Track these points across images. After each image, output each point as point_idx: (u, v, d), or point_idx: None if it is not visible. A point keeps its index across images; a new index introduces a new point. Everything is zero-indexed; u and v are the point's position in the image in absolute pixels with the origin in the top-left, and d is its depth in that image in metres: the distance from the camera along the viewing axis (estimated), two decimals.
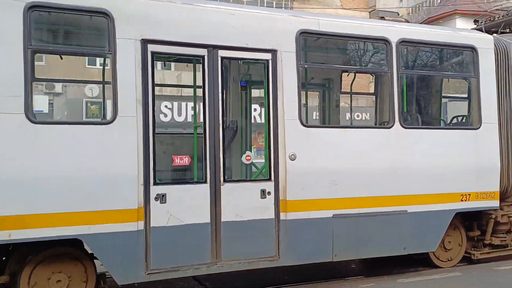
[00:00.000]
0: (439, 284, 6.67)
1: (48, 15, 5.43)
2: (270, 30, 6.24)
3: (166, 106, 17.17)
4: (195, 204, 5.81)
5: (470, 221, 7.75)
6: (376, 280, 6.89)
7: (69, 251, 5.58)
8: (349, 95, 7.68)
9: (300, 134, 6.26)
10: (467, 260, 7.80)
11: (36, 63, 5.49)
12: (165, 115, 17.00)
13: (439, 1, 45.23)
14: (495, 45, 7.61)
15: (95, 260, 5.72)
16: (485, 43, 7.50)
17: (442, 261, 7.55)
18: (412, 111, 7.56)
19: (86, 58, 6.81)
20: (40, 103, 5.34)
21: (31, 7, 5.17)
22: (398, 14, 8.70)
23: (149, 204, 5.58)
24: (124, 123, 5.49)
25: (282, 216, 6.17)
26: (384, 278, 7.01)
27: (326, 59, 7.09)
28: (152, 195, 5.60)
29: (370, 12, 24.62)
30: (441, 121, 8.24)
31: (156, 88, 5.88)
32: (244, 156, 6.32)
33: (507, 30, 9.07)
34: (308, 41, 6.59)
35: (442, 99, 8.40)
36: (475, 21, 9.56)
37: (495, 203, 7.47)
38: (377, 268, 7.68)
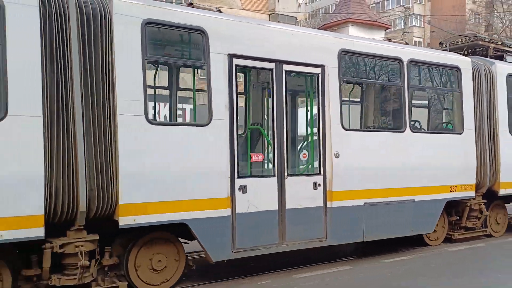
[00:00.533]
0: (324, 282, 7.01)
1: (158, 31, 6.26)
2: (320, 49, 7.50)
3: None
4: (267, 194, 6.93)
5: (450, 209, 9.50)
6: (272, 275, 7.19)
7: (165, 235, 6.44)
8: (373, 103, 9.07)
9: (342, 136, 7.58)
10: (448, 240, 9.55)
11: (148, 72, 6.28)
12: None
13: (334, 8, 48.20)
14: (471, 65, 9.43)
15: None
16: (466, 64, 9.31)
17: (431, 240, 9.23)
18: (416, 118, 9.14)
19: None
20: (153, 107, 6.01)
21: (147, 23, 6.01)
22: (296, 19, 9.71)
23: (235, 194, 6.61)
24: (217, 125, 6.47)
25: (329, 204, 7.46)
26: (281, 275, 7.27)
27: (358, 74, 8.45)
28: (237, 186, 6.63)
29: (270, 15, 26.00)
30: (432, 126, 9.94)
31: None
32: (301, 154, 7.49)
33: (466, 53, 10.96)
34: (346, 58, 7.91)
35: (430, 109, 10.15)
36: (440, 44, 11.44)
37: (473, 193, 9.31)
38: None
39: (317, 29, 47.39)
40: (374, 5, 59.24)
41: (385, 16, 51.99)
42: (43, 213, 5.29)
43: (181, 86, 7.86)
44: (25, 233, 5.23)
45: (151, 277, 6.31)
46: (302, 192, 7.24)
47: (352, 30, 39.95)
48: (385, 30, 44.99)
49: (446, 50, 10.54)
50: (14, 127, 5.16)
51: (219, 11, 7.11)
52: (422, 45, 56.40)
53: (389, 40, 10.50)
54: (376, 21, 42.17)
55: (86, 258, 5.62)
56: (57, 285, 5.60)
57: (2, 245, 5.25)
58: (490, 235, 10.10)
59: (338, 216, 7.53)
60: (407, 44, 9.38)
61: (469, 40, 11.08)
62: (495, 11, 46.26)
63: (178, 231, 6.52)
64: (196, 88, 7.25)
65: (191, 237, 6.65)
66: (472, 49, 10.93)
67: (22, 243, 5.41)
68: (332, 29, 39.70)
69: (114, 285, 6.03)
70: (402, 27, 57.15)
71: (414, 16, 56.28)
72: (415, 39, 55.41)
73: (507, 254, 8.94)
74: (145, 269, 6.25)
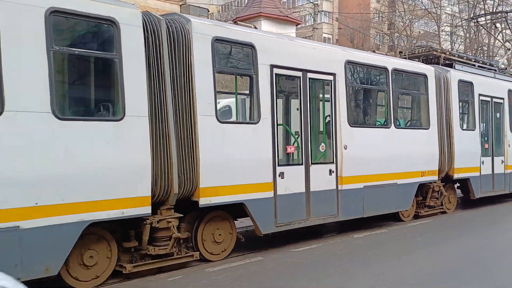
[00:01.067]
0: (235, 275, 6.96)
1: (222, 46, 7.66)
2: (332, 60, 9.24)
3: None
4: (297, 179, 8.55)
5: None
6: (183, 271, 7.17)
7: (220, 214, 7.86)
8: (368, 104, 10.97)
9: (348, 131, 9.37)
10: (415, 216, 11.67)
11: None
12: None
13: (246, 2, 49.64)
14: (434, 73, 11.57)
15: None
16: (431, 72, 11.44)
17: (405, 217, 11.27)
18: (397, 117, 11.12)
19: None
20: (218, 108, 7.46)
21: (216, 40, 7.42)
22: (208, 11, 10.45)
23: (276, 179, 8.17)
24: (264, 123, 8.00)
25: (339, 187, 9.22)
26: (194, 269, 7.34)
27: (358, 80, 10.25)
28: (277, 172, 8.19)
29: (180, 5, 26.75)
30: (408, 123, 12.03)
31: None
32: (320, 146, 9.13)
33: (421, 61, 13.07)
34: (350, 67, 9.66)
35: (406, 108, 12.27)
36: (400, 52, 13.61)
37: (436, 177, 11.53)
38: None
39: (230, 22, 48.13)
40: (285, 0, 60.20)
41: (296, 12, 53.92)
42: (150, 194, 6.58)
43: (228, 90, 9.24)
44: (138, 211, 6.51)
45: (214, 248, 7.75)
46: (321, 178, 8.94)
47: (265, 25, 41.46)
48: (296, 26, 47.24)
49: (406, 58, 12.64)
50: (132, 126, 6.41)
51: (255, 28, 8.60)
52: (331, 41, 58.75)
53: (313, 39, 12.55)
54: (287, 16, 44.24)
55: (176, 232, 6.94)
56: (152, 254, 6.87)
57: (112, 222, 6.47)
58: (445, 212, 12.37)
59: (346, 196, 9.30)
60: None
61: (424, 50, 13.29)
62: (397, 10, 49.71)
63: (230, 210, 7.98)
64: (245, 92, 8.75)
65: (238, 216, 8.22)
66: (426, 58, 13.12)
67: (122, 221, 6.62)
68: (244, 23, 41.22)
69: (189, 254, 7.39)
70: (312, 23, 59.45)
71: (323, 12, 58.36)
72: (324, 35, 56.70)
73: (457, 222, 11.31)
74: (209, 241, 7.68)
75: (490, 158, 13.33)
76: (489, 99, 13.41)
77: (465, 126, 12.71)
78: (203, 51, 7.24)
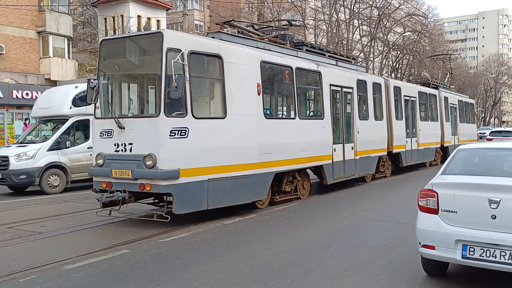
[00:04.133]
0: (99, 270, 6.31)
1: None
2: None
3: None
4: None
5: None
6: (36, 269, 6.61)
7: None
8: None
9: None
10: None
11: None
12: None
13: None
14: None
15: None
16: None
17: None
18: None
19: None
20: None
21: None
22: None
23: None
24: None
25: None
26: (50, 268, 6.70)
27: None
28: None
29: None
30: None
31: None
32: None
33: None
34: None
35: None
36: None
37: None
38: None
39: (91, 5, 45.18)
40: None
41: None
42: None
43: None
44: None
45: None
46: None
47: (133, 7, 40.59)
48: (167, 11, 46.64)
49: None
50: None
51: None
52: (203, 29, 58.80)
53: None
54: (157, 0, 43.45)
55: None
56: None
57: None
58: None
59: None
60: None
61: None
62: (266, 2, 51.20)
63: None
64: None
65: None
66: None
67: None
68: (110, 5, 39.38)
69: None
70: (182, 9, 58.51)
71: None
72: (196, 22, 56.64)
73: (309, 208, 11.39)
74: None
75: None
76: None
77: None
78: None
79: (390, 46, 51.48)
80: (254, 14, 56.31)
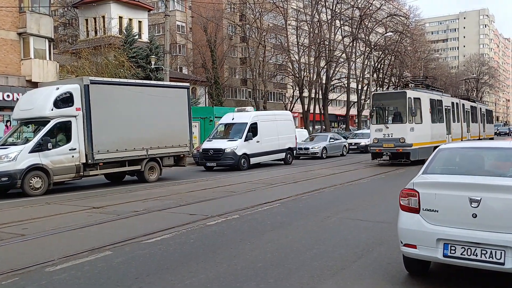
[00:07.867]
0: (81, 272, 6.11)
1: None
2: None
3: None
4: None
5: None
6: (19, 272, 6.48)
7: None
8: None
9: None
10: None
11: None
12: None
13: None
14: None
15: None
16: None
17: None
18: None
19: None
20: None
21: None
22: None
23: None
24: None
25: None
26: (32, 269, 6.58)
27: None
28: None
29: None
30: None
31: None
32: None
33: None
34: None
35: None
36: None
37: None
38: None
39: (72, 6, 44.99)
40: None
41: None
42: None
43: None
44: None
45: None
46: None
47: (114, 8, 40.39)
48: (149, 12, 46.49)
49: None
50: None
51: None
52: (185, 29, 58.84)
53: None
54: (138, 1, 43.31)
55: None
56: None
57: None
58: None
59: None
60: None
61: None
62: (247, 3, 51.20)
63: None
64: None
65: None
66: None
67: None
68: (91, 6, 39.20)
69: None
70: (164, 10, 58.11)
71: (176, 0, 57.61)
72: (177, 23, 56.28)
73: (292, 209, 12.16)
74: None
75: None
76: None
77: None
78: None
79: (372, 46, 51.91)
80: (236, 15, 56.28)
